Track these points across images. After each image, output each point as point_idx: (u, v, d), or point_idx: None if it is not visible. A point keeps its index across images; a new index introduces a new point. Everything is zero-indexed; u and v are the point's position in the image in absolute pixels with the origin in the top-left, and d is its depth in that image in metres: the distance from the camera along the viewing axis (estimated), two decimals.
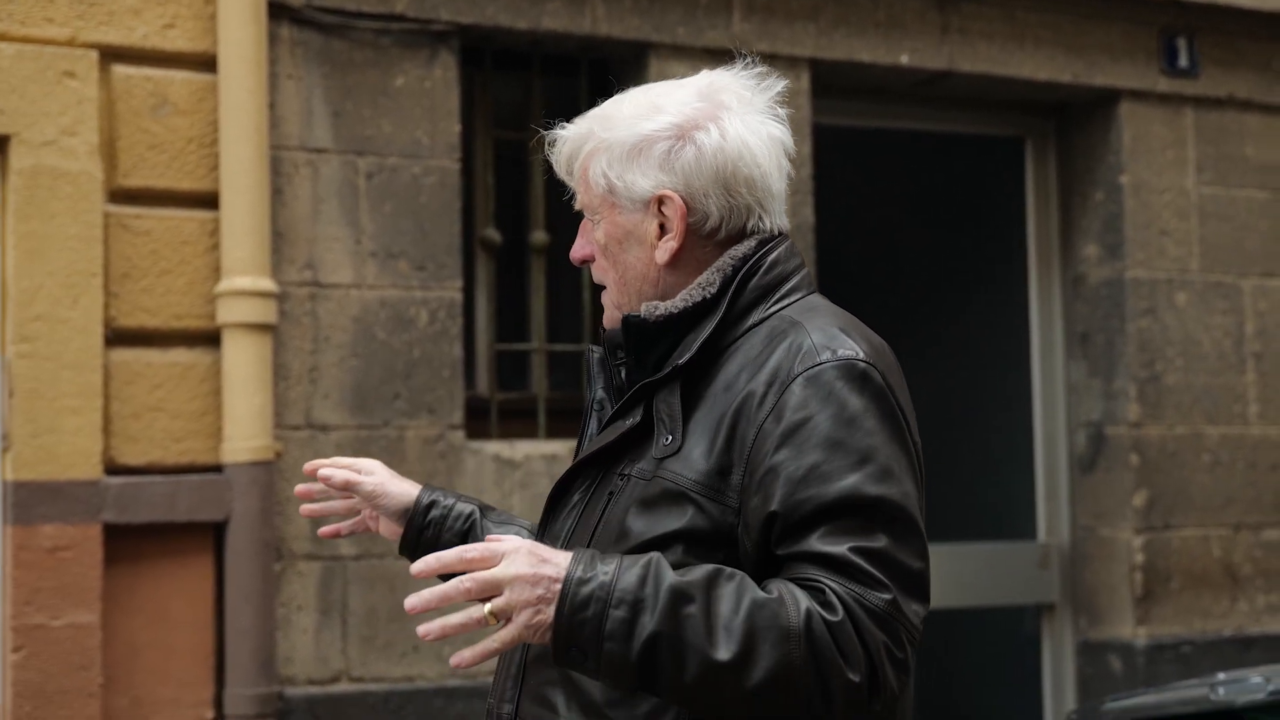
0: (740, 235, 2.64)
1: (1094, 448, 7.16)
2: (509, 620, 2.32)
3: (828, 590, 2.35)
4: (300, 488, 3.04)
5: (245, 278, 5.59)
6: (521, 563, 2.33)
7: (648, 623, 2.31)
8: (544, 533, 2.68)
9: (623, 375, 2.70)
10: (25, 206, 5.38)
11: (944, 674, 8.00)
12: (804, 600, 2.34)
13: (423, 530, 2.97)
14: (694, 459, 2.49)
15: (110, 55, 5.57)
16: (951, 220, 7.82)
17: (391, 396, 5.82)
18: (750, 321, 2.58)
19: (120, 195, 5.58)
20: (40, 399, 5.38)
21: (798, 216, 6.39)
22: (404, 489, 2.99)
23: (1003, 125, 7.38)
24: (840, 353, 2.48)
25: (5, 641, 5.36)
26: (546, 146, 2.79)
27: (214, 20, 5.65)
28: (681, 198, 2.62)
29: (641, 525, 2.49)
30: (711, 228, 2.63)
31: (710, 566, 2.38)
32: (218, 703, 5.62)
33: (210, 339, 5.64)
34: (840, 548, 2.38)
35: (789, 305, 2.60)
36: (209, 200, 5.66)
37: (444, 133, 5.90)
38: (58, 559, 5.37)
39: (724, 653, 2.31)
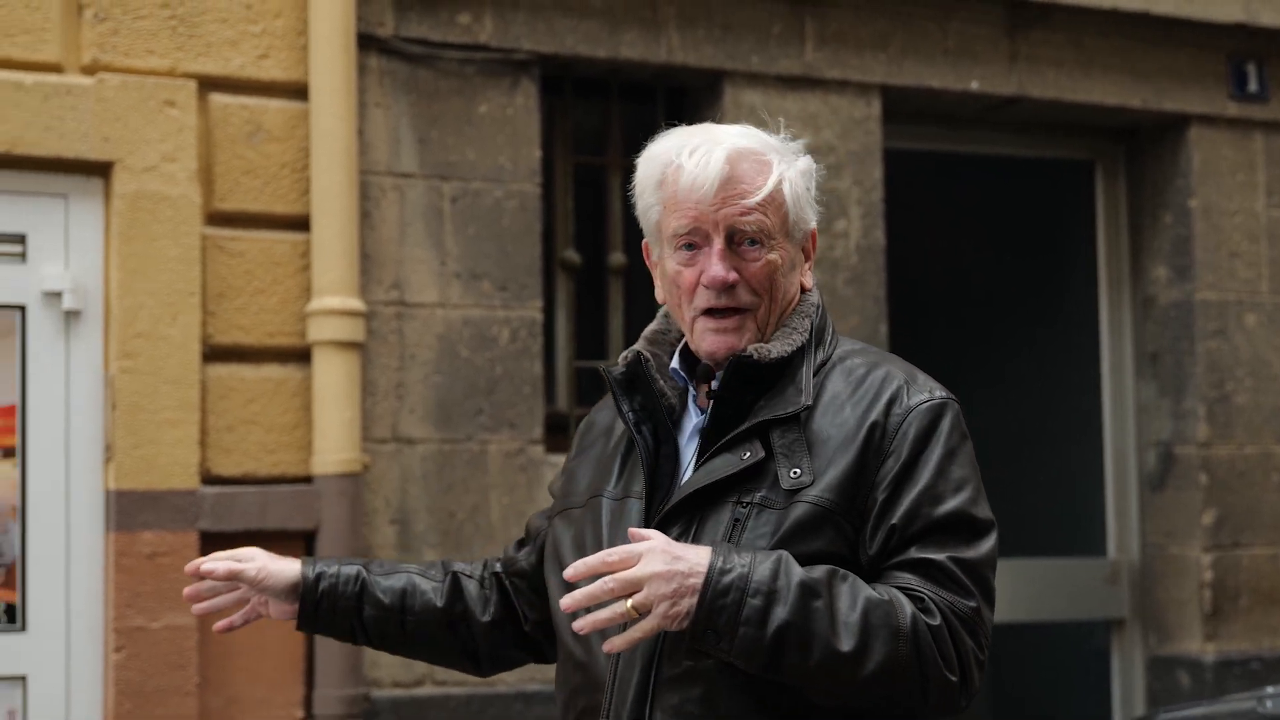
0: None
1: (1164, 466, 7.24)
2: (649, 612, 2.54)
3: (926, 598, 2.61)
4: (188, 590, 3.07)
5: (335, 297, 5.72)
6: (657, 562, 2.54)
7: (780, 613, 2.54)
8: None
9: (682, 403, 2.86)
10: (128, 229, 5.53)
11: (1016, 687, 8.09)
12: (909, 605, 2.59)
13: (318, 604, 3.06)
14: (825, 486, 2.68)
15: (208, 85, 5.70)
16: (1022, 242, 7.87)
17: (474, 411, 5.99)
18: (819, 359, 2.80)
19: (217, 218, 5.71)
20: (141, 412, 5.52)
21: (868, 239, 6.54)
22: (287, 567, 3.06)
23: (1073, 149, 7.47)
24: (937, 394, 2.77)
25: (107, 642, 5.50)
26: (684, 157, 2.79)
27: (306, 51, 5.78)
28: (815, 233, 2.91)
29: (800, 549, 2.65)
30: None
31: (828, 566, 2.61)
32: (307, 703, 5.72)
33: (301, 356, 5.76)
34: (940, 555, 2.65)
35: (839, 346, 2.85)
36: (301, 223, 5.78)
37: (525, 158, 6.08)
38: (157, 564, 5.50)
39: (845, 644, 2.55)
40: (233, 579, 3.05)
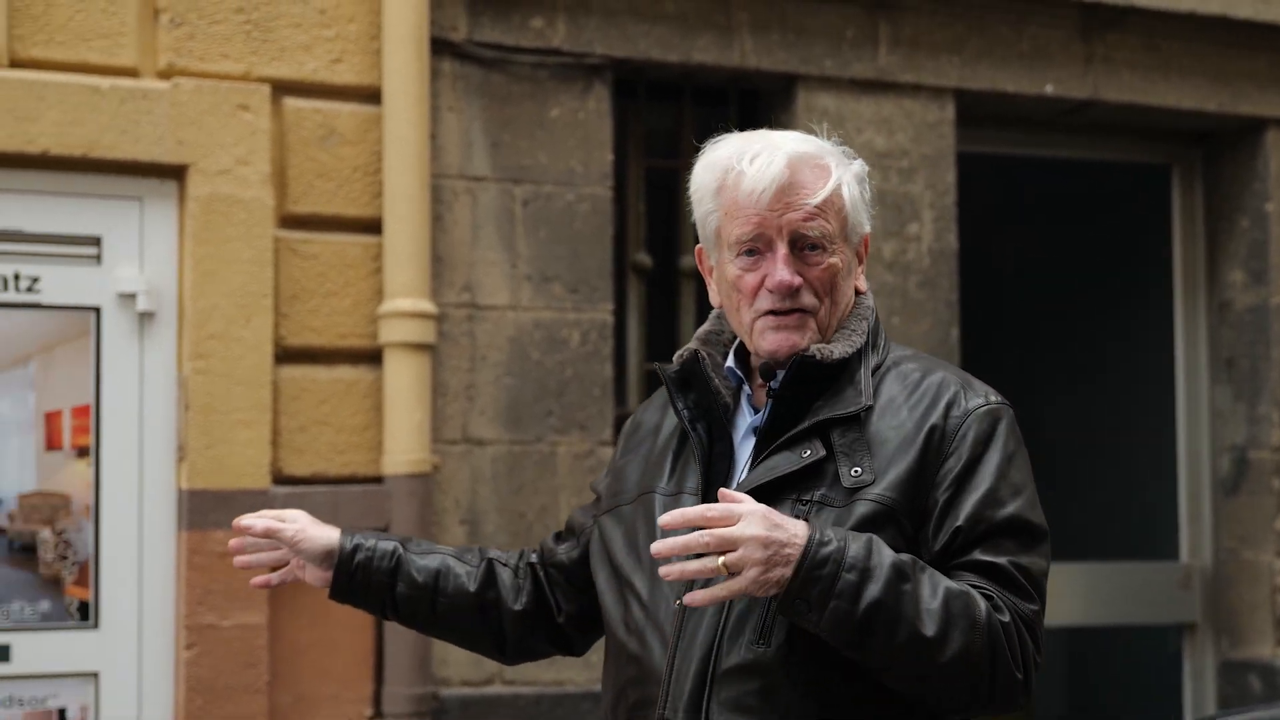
0: None
1: (1237, 471, 7.20)
2: (738, 574, 2.57)
3: (995, 596, 2.67)
4: (233, 541, 3.13)
5: (406, 299, 5.75)
6: (757, 525, 2.57)
7: (873, 590, 2.58)
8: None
9: (735, 402, 2.90)
10: (202, 232, 5.58)
11: (1089, 690, 8.09)
12: (982, 601, 2.64)
13: (352, 575, 3.10)
14: (885, 485, 2.73)
15: (282, 89, 5.74)
16: (1097, 245, 7.85)
17: (544, 413, 6.02)
18: (872, 363, 2.86)
19: (290, 221, 5.76)
20: (214, 413, 5.56)
21: (940, 243, 6.53)
22: (325, 534, 3.10)
23: (1149, 153, 7.42)
24: (993, 399, 2.83)
25: (179, 639, 5.55)
26: (745, 162, 2.82)
27: (379, 55, 5.81)
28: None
29: None
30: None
31: (909, 554, 2.65)
32: (376, 701, 5.76)
33: (373, 357, 5.79)
34: (1002, 559, 2.71)
35: (891, 351, 2.91)
36: (373, 226, 5.82)
37: (597, 161, 6.11)
38: (228, 563, 5.33)
39: (929, 629, 2.60)
40: (270, 536, 3.10)
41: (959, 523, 2.72)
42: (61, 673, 5.51)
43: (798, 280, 2.81)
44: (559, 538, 3.22)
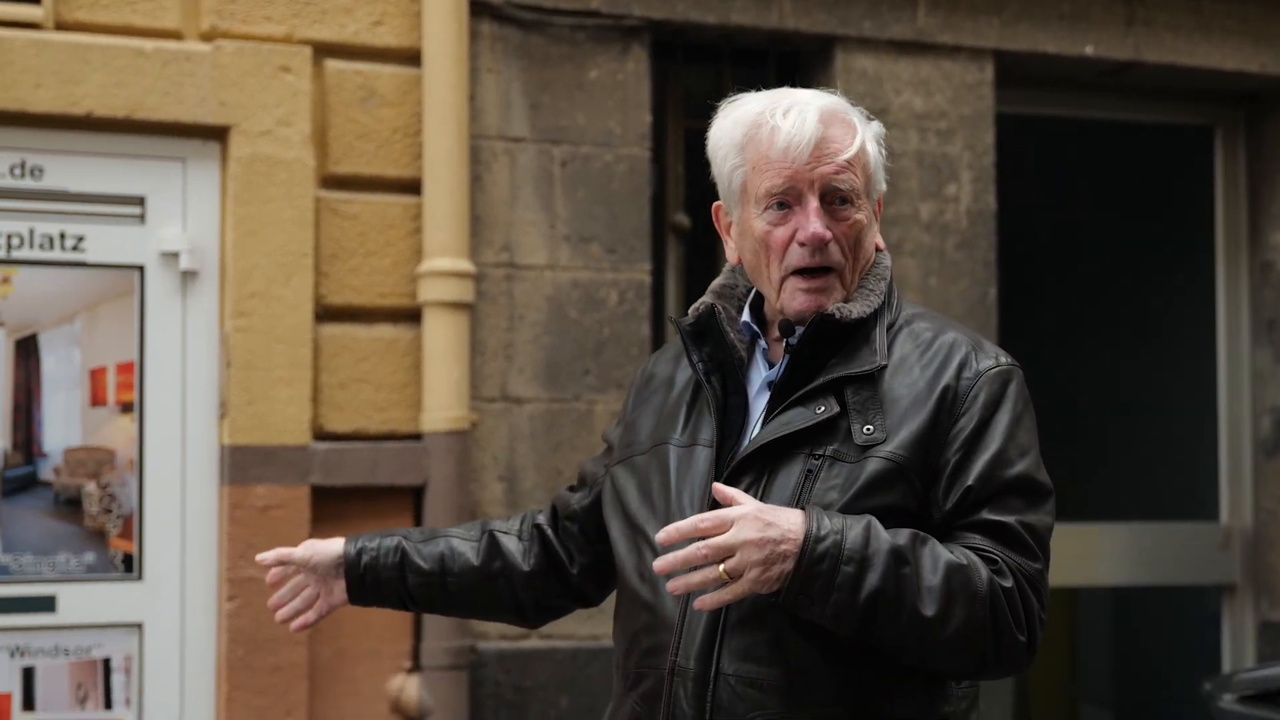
0: None
1: (1278, 433, 7.21)
2: (740, 577, 2.64)
3: (999, 560, 2.72)
4: (271, 601, 3.28)
5: (445, 259, 5.81)
6: (749, 529, 2.64)
7: (873, 579, 2.65)
8: (713, 508, 2.79)
9: (748, 355, 2.95)
10: (244, 192, 5.65)
11: (1130, 649, 8.13)
12: (984, 568, 2.70)
13: (363, 577, 3.21)
14: (898, 443, 2.78)
15: (323, 51, 5.81)
16: (1138, 207, 7.84)
17: (582, 372, 6.08)
18: (886, 321, 2.91)
19: (330, 181, 5.82)
20: (255, 370, 5.64)
21: (979, 204, 6.55)
22: (332, 545, 3.23)
23: (1192, 114, 7.40)
24: (1004, 360, 2.87)
25: (220, 591, 5.65)
26: (778, 117, 2.85)
27: (419, 18, 5.86)
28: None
29: (872, 502, 2.75)
30: None
31: (910, 530, 2.71)
32: (415, 655, 5.84)
33: (412, 316, 5.86)
34: (1010, 518, 2.76)
35: (904, 310, 2.95)
36: (413, 186, 5.88)
37: (635, 123, 6.16)
38: (269, 517, 5.63)
39: (929, 609, 2.66)
40: (283, 563, 3.23)
41: (969, 482, 2.77)
42: (106, 623, 5.61)
43: (829, 233, 2.84)
44: (573, 489, 3.28)
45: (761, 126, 2.86)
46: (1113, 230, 7.95)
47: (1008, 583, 2.72)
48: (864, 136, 2.89)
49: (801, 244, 2.85)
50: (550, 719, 5.95)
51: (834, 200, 2.86)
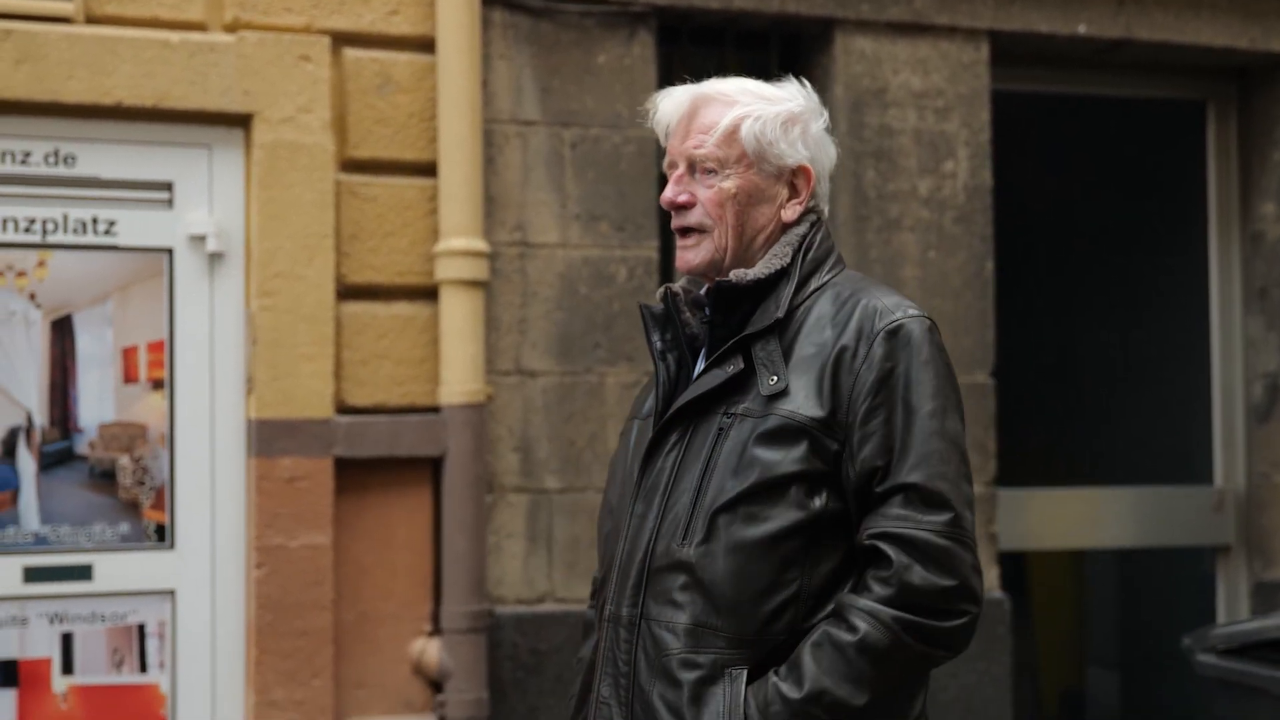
0: (811, 211, 3.19)
1: (1270, 398, 7.35)
2: None
3: (889, 558, 2.90)
4: None
5: (461, 239, 5.95)
6: None
7: None
8: (644, 467, 3.09)
9: (692, 329, 3.15)
10: (267, 176, 5.80)
11: (1128, 609, 8.28)
12: (878, 610, 2.89)
13: None
14: (801, 400, 2.98)
15: (341, 40, 5.95)
16: (1132, 180, 7.92)
17: (593, 346, 6.25)
18: (811, 287, 3.10)
19: (350, 165, 5.97)
20: (280, 347, 5.80)
21: (975, 179, 6.72)
22: None
23: (1184, 89, 7.54)
24: (910, 312, 3.03)
25: (249, 559, 5.80)
26: (660, 100, 3.20)
27: (433, 7, 5.99)
28: (813, 171, 3.16)
29: (770, 455, 2.96)
30: (811, 203, 3.18)
31: (801, 650, 2.91)
32: (435, 618, 5.98)
33: (429, 294, 6.00)
34: (918, 476, 2.93)
35: (836, 275, 3.14)
36: (429, 169, 6.02)
37: (642, 105, 6.32)
38: (295, 488, 5.78)
39: (860, 699, 2.87)
40: None
41: (870, 443, 2.94)
42: (140, 590, 5.77)
43: (681, 198, 3.11)
44: None
45: (657, 112, 3.22)
46: (1107, 203, 8.06)
47: (888, 590, 2.89)
48: (742, 115, 3.09)
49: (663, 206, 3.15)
50: (565, 680, 6.04)
51: (700, 170, 3.10)
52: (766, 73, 3.27)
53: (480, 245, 6.01)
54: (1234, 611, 7.48)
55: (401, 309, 6.03)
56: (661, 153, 6.35)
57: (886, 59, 6.65)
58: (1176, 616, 7.87)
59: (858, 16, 6.60)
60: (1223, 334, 7.58)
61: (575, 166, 6.26)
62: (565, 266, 6.23)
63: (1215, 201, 7.59)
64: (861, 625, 2.87)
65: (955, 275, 6.67)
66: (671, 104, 3.17)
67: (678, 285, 3.22)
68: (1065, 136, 7.90)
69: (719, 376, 3.03)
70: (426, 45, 6.06)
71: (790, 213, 3.15)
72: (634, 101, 6.27)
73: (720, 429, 3.01)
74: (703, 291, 3.17)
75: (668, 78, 6.44)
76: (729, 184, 3.09)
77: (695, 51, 6.61)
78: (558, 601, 6.16)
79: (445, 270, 6.00)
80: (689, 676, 2.93)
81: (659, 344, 3.19)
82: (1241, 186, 7.54)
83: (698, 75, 6.15)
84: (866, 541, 2.94)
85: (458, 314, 5.99)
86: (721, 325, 3.09)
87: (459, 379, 5.98)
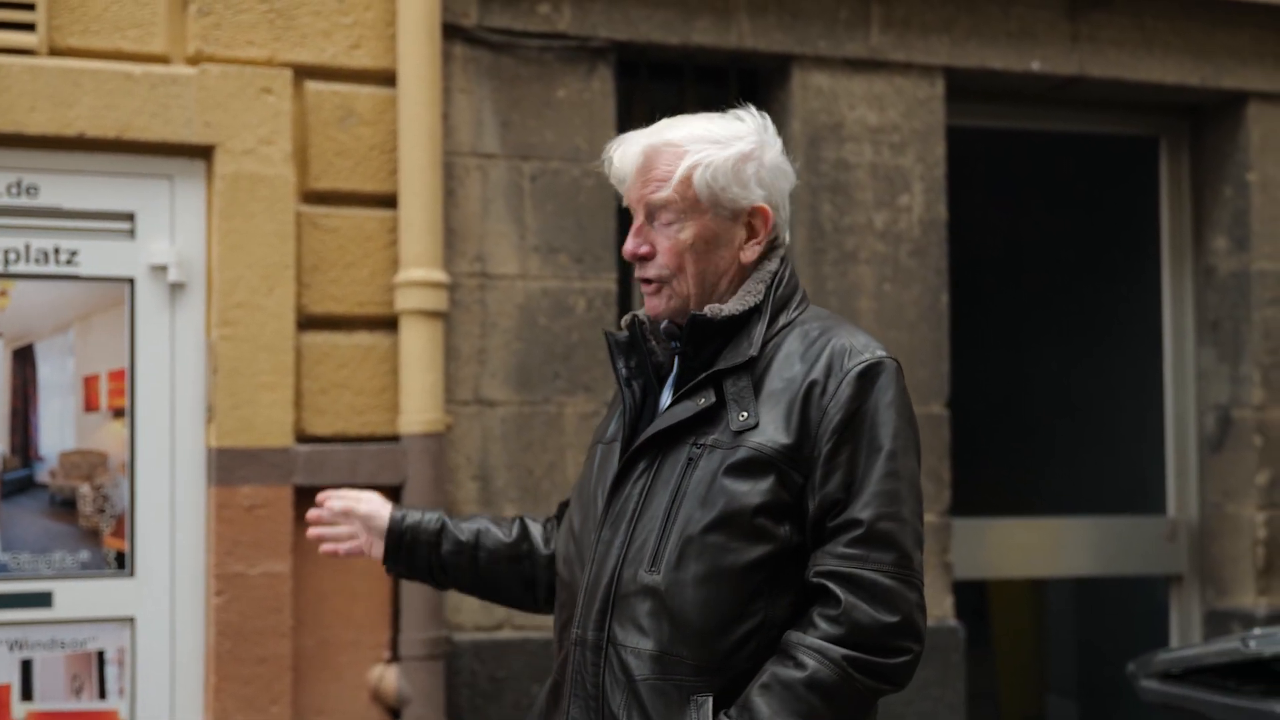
0: (774, 244, 3.24)
1: (1221, 429, 7.43)
2: None
3: (837, 596, 2.96)
4: (311, 512, 3.52)
5: (421, 270, 5.98)
6: None
7: None
8: (612, 493, 3.13)
9: (672, 362, 3.20)
10: (228, 207, 5.83)
11: (1079, 638, 8.36)
12: (826, 648, 2.94)
13: (400, 538, 3.49)
14: (771, 434, 3.03)
15: (303, 73, 5.99)
16: (1086, 214, 8.00)
17: (552, 376, 6.28)
18: (781, 323, 3.16)
19: (311, 197, 6.00)
20: (240, 376, 5.82)
21: (930, 213, 6.79)
22: (385, 508, 3.51)
23: (1137, 125, 7.63)
24: (878, 353, 3.09)
25: (209, 587, 5.81)
26: (614, 150, 3.22)
27: (394, 41, 6.04)
28: (770, 210, 3.20)
29: (738, 486, 3.01)
30: (772, 238, 3.23)
31: (750, 692, 2.95)
32: (393, 645, 5.99)
33: (389, 324, 6.03)
34: (869, 513, 2.99)
35: (804, 311, 3.20)
36: (389, 201, 6.06)
37: (601, 139, 6.29)
38: (255, 516, 5.79)
39: None
40: (346, 515, 3.51)
41: (833, 479, 3.00)
42: (100, 617, 5.77)
43: (640, 250, 3.16)
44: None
45: (611, 162, 3.24)
46: (1062, 237, 8.14)
47: (839, 630, 2.94)
48: (694, 163, 3.12)
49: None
50: (523, 708, 6.09)
51: (656, 220, 3.15)
52: (726, 106, 3.31)
53: (440, 276, 6.06)
54: (1187, 639, 7.55)
55: (361, 339, 6.07)
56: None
57: (843, 94, 6.73)
58: (1132, 644, 7.94)
59: (815, 52, 6.67)
60: (1175, 366, 7.66)
61: (535, 199, 6.31)
62: (524, 298, 6.28)
63: (1168, 235, 7.67)
64: (810, 662, 2.93)
65: (911, 308, 6.74)
66: (625, 154, 3.19)
67: (643, 314, 3.26)
68: (1019, 171, 7.99)
69: (690, 409, 3.08)
70: (388, 79, 6.11)
71: (749, 254, 3.19)
72: (593, 135, 6.34)
73: (690, 459, 3.06)
74: (663, 324, 3.21)
75: (627, 112, 6.56)
76: (685, 234, 3.13)
77: (654, 86, 6.69)
78: (515, 629, 6.18)
79: (405, 301, 6.03)
80: (657, 702, 2.99)
81: (624, 370, 3.24)
82: (1194, 221, 7.63)
83: (657, 110, 6.24)
84: (815, 580, 2.99)
85: (417, 344, 6.02)
86: (693, 357, 3.14)
87: (418, 408, 6.01)
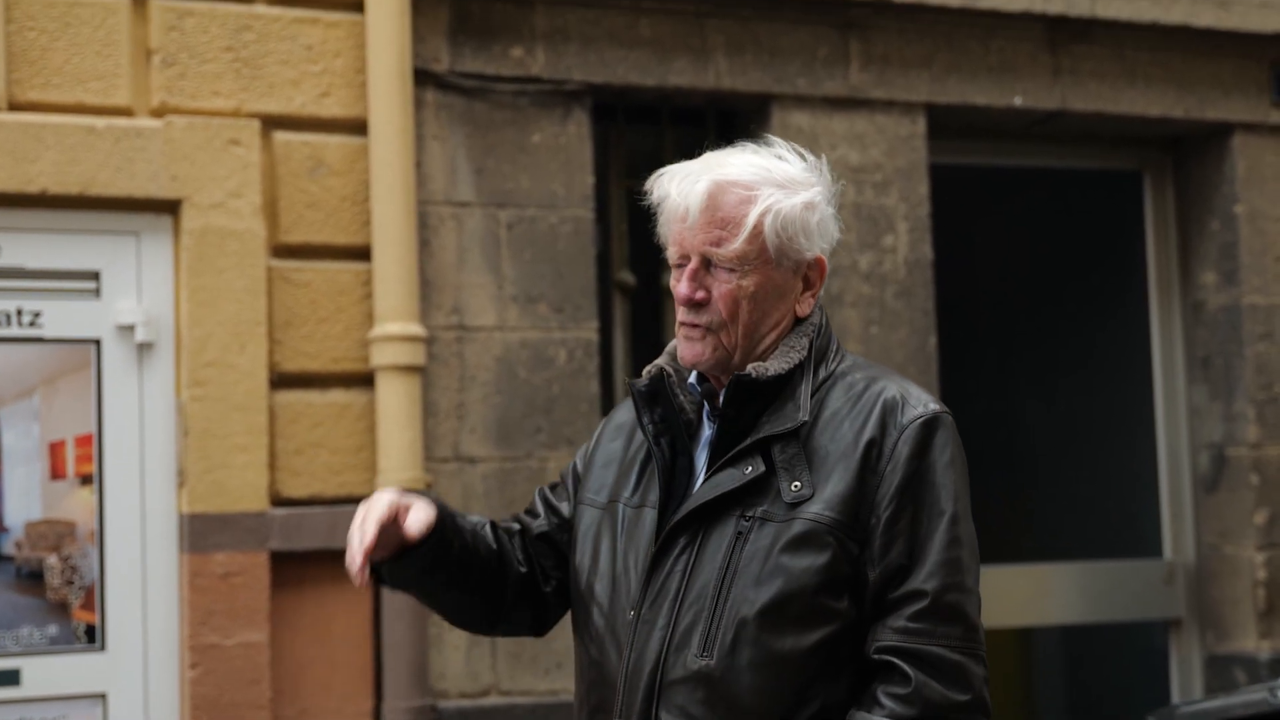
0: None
1: (1216, 468, 7.34)
2: None
3: (906, 674, 2.80)
4: (365, 544, 3.10)
5: (396, 323, 5.88)
6: None
7: None
8: (651, 572, 2.91)
9: (699, 417, 3.00)
10: (197, 263, 5.73)
11: (1081, 686, 8.21)
12: None
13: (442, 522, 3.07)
14: (827, 503, 2.84)
15: (271, 123, 5.90)
16: (1073, 250, 7.95)
17: (533, 430, 6.17)
18: (821, 376, 2.97)
19: (282, 250, 5.90)
20: (212, 438, 5.71)
21: (915, 253, 6.68)
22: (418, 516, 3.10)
23: (1120, 159, 7.57)
24: (931, 407, 2.92)
25: (183, 659, 5.69)
26: (672, 185, 2.96)
27: (364, 88, 5.96)
28: (826, 261, 3.03)
29: (797, 563, 2.81)
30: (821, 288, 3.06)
31: None
32: (376, 714, 5.88)
33: (365, 380, 5.93)
34: (934, 584, 2.83)
35: (842, 362, 3.01)
36: (362, 253, 5.96)
37: (578, 184, 6.27)
38: (229, 584, 5.68)
39: None
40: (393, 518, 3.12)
41: (894, 548, 2.84)
42: (70, 694, 5.64)
43: (699, 295, 2.93)
44: (530, 513, 3.25)
45: (668, 196, 2.97)
46: (1048, 275, 8.07)
47: (911, 709, 2.78)
48: (766, 208, 2.93)
49: (677, 301, 2.97)
50: None
51: (717, 266, 2.94)
52: (704, 147, 3.11)
53: (416, 330, 5.96)
54: (1188, 686, 7.44)
55: (337, 396, 5.96)
56: (601, 231, 6.27)
57: (823, 133, 6.61)
58: (1130, 693, 7.82)
59: (794, 91, 6.57)
60: (1167, 404, 7.58)
61: (511, 247, 6.19)
62: (503, 349, 6.15)
63: (1155, 271, 7.60)
64: None
65: (898, 350, 6.60)
66: (686, 190, 2.95)
67: (666, 364, 3.07)
68: (1004, 208, 7.91)
69: (737, 478, 2.89)
70: (358, 127, 6.02)
71: (805, 306, 3.02)
72: (570, 180, 6.23)
73: (739, 533, 2.86)
74: (690, 377, 3.04)
75: (604, 155, 6.44)
76: (747, 282, 2.94)
77: (631, 129, 6.60)
78: (502, 694, 6.06)
79: (381, 356, 5.92)
80: None
81: (650, 426, 3.04)
82: (1181, 255, 7.55)
83: (635, 153, 6.02)
84: (878, 656, 2.83)
85: (394, 400, 5.91)
86: (735, 420, 2.95)
87: (397, 467, 5.88)
